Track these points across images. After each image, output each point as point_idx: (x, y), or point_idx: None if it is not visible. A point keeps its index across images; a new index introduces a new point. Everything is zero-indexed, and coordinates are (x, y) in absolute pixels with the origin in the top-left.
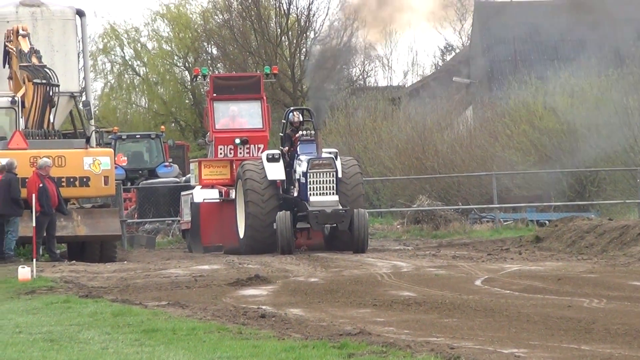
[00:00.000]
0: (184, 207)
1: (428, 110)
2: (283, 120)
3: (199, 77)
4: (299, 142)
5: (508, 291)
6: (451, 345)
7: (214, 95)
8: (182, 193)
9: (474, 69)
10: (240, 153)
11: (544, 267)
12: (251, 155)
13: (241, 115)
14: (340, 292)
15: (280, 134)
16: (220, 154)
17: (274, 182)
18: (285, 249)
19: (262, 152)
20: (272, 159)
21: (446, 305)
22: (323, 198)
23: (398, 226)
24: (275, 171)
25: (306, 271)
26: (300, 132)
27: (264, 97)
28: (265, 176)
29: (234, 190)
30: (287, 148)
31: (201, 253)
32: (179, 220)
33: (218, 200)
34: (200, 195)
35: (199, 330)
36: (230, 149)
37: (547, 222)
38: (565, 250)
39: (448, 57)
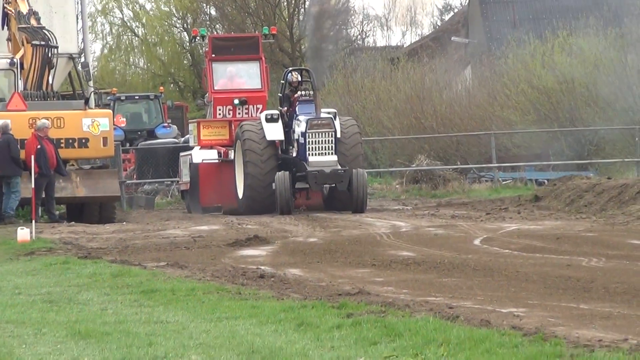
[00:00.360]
0: (182, 167)
1: (427, 70)
2: (282, 81)
3: (198, 38)
4: (297, 103)
5: (507, 250)
6: (450, 305)
7: (213, 56)
8: (181, 154)
9: (472, 29)
10: (239, 113)
11: (543, 226)
12: (250, 115)
13: (240, 75)
14: (339, 252)
15: (279, 94)
16: (219, 114)
17: (272, 143)
18: (284, 209)
19: (260, 113)
20: (270, 120)
21: (445, 265)
22: (322, 158)
23: (397, 186)
24: (274, 131)
25: (305, 231)
26: (299, 93)
27: (263, 58)
28: (264, 136)
29: (232, 150)
30: (285, 108)
31: (200, 214)
32: (177, 181)
33: (217, 161)
34: (199, 155)
35: (198, 290)
36: (229, 110)
37: (545, 181)
38: (564, 209)
39: (447, 17)
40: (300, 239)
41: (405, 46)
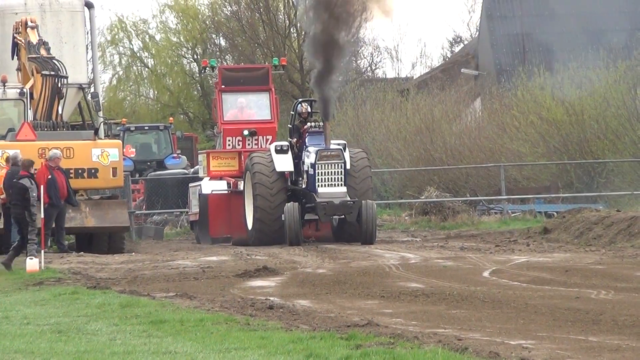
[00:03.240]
0: (192, 198)
1: (436, 101)
2: (291, 112)
3: (208, 68)
4: (307, 134)
5: (516, 283)
6: (459, 337)
7: (223, 86)
8: (191, 184)
9: (482, 61)
10: (249, 144)
11: (552, 258)
12: (259, 146)
13: (249, 106)
14: (348, 284)
15: (289, 125)
16: (229, 145)
17: (282, 175)
18: (293, 241)
19: (270, 144)
20: (280, 151)
21: (454, 297)
22: (331, 189)
23: (406, 217)
24: (284, 163)
25: (314, 262)
26: (308, 124)
27: (273, 89)
28: (274, 169)
29: (242, 181)
30: (295, 139)
31: (209, 244)
32: (187, 212)
33: (226, 192)
34: (209, 186)
35: (206, 321)
36: (239, 141)
37: (555, 213)
38: (573, 242)
39: (456, 49)
40: (309, 270)
41: (414, 78)
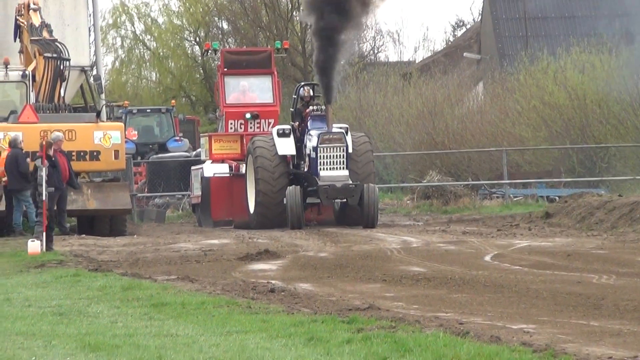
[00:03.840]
0: (194, 181)
1: (438, 85)
2: (294, 96)
3: (210, 51)
4: (309, 117)
5: (517, 267)
6: (460, 321)
7: (225, 69)
8: (193, 167)
9: (484, 45)
10: (251, 128)
11: (554, 243)
12: (261, 130)
13: (252, 90)
14: (349, 267)
15: (291, 109)
16: (231, 128)
17: (284, 158)
18: (295, 224)
19: (272, 127)
20: (282, 134)
21: (455, 281)
22: (333, 173)
23: (408, 201)
24: (286, 146)
25: (316, 246)
26: (310, 107)
27: (275, 72)
28: (276, 153)
29: (244, 164)
30: (297, 123)
31: (211, 227)
32: (189, 195)
33: (228, 175)
34: (211, 169)
35: (208, 304)
36: (241, 124)
37: (557, 198)
38: (574, 227)
39: (459, 33)
40: (310, 254)
41: (417, 62)
